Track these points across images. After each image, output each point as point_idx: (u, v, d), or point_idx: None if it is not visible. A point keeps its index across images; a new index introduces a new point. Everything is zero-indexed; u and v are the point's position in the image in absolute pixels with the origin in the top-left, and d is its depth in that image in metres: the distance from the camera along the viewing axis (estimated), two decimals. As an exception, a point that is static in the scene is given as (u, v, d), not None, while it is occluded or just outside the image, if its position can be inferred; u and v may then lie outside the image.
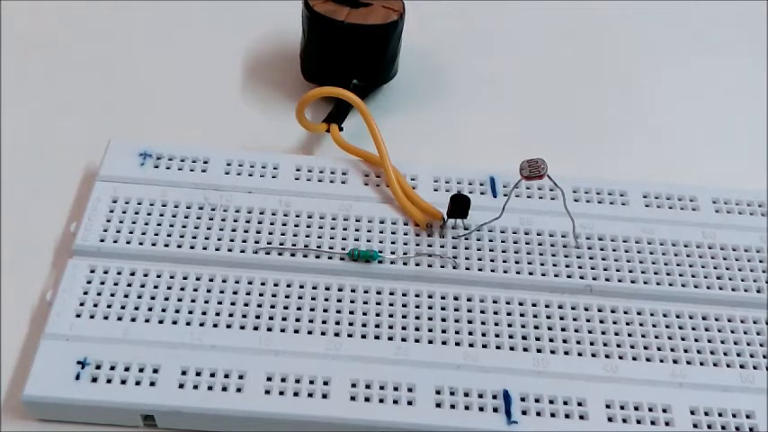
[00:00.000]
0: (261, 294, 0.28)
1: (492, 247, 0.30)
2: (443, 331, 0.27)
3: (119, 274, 0.28)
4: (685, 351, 0.27)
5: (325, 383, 0.26)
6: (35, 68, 0.37)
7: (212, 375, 0.26)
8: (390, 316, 0.28)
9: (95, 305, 0.27)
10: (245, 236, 0.29)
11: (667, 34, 0.42)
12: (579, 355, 0.27)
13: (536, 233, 0.30)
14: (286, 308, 0.28)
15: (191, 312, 0.27)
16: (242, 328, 0.27)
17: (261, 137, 0.35)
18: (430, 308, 0.28)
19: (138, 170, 0.31)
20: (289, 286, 0.28)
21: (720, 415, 0.26)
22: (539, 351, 0.27)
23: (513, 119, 0.37)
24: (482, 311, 0.28)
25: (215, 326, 0.27)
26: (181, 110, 0.36)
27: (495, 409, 0.26)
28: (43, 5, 0.40)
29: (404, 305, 0.28)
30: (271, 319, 0.27)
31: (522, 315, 0.28)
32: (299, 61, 0.36)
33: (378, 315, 0.28)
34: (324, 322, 0.27)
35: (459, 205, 0.29)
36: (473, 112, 0.37)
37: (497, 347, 0.27)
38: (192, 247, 0.29)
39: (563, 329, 0.28)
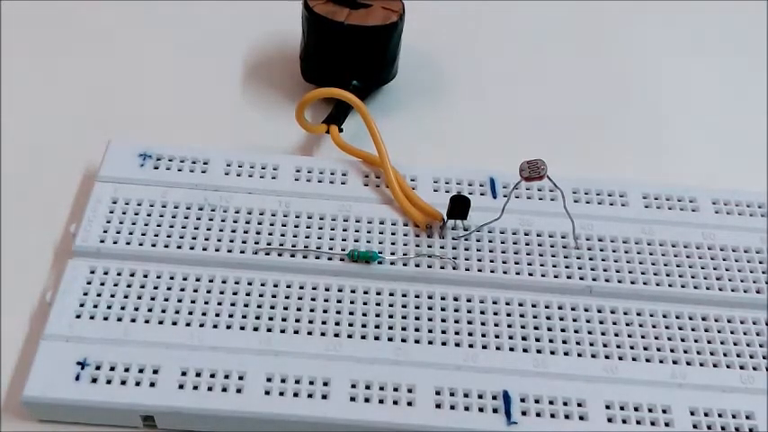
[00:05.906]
0: (261, 295, 0.28)
1: (492, 248, 0.30)
2: (443, 332, 0.27)
3: (118, 274, 0.28)
4: (685, 352, 0.27)
5: (325, 384, 0.26)
6: (35, 68, 0.37)
7: (212, 376, 0.26)
8: (390, 317, 0.28)
9: (95, 306, 0.27)
10: (244, 236, 0.29)
11: (667, 34, 0.42)
12: (579, 355, 0.27)
13: (536, 234, 0.30)
14: (286, 308, 0.28)
15: (190, 313, 0.27)
16: (242, 328, 0.27)
17: (261, 137, 0.35)
18: (430, 308, 0.28)
19: (137, 171, 0.31)
20: (288, 287, 0.28)
21: (720, 416, 0.26)
22: (539, 352, 0.27)
23: (514, 119, 0.37)
24: (482, 312, 0.28)
25: (215, 326, 0.27)
26: (181, 110, 0.36)
27: (495, 410, 0.26)
28: (43, 5, 0.40)
29: (403, 306, 0.28)
30: (270, 319, 0.27)
31: (521, 316, 0.28)
32: (299, 62, 0.36)
33: (377, 316, 0.28)
34: (323, 323, 0.27)
35: (459, 206, 0.29)
36: (473, 113, 0.37)
37: (497, 348, 0.27)
38: (191, 248, 0.29)
39: (563, 330, 0.28)
